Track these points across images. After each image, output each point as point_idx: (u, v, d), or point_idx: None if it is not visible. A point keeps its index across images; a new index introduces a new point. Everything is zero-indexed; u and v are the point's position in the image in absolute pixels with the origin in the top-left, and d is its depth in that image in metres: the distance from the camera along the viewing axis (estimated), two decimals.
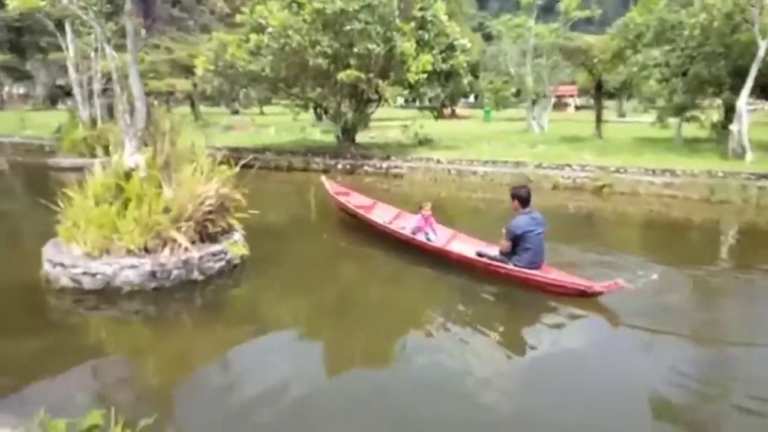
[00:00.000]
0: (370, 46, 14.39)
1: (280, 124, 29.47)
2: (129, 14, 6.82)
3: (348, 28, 14.32)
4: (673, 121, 19.11)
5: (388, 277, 7.42)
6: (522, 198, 6.58)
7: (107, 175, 7.10)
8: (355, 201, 10.11)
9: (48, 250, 6.76)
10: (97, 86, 17.42)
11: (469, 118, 44.06)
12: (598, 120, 20.58)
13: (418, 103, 16.90)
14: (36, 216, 11.53)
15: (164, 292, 6.42)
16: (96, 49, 17.12)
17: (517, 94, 30.46)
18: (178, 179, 7.02)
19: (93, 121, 17.48)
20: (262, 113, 47.96)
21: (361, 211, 9.44)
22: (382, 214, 9.58)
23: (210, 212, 7.03)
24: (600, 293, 5.97)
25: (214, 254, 6.90)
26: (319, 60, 14.66)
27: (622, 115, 41.27)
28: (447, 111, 38.40)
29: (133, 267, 6.35)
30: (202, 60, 16.14)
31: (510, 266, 6.49)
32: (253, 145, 19.57)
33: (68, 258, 6.46)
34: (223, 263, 7.03)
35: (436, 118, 22.31)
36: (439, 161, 15.39)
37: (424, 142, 20.27)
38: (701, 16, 15.61)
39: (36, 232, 9.97)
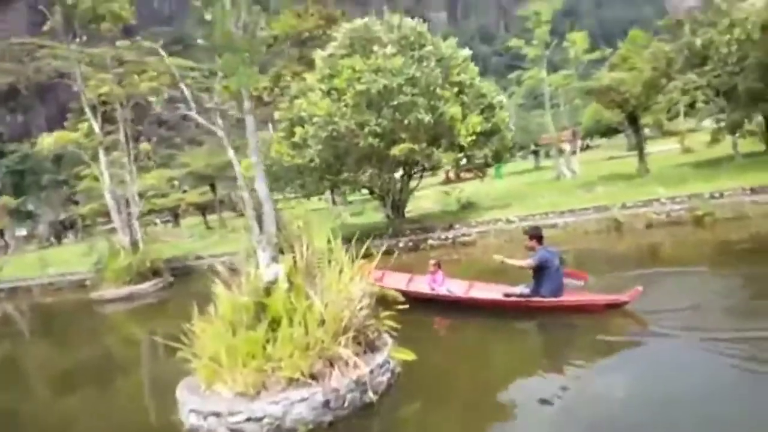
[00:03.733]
0: (420, 116, 13.99)
1: (302, 216, 28.85)
2: (249, 111, 6.15)
3: (395, 103, 13.99)
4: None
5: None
6: (539, 237, 7.69)
7: (241, 294, 6.10)
8: (394, 280, 9.48)
9: (186, 397, 5.64)
10: (135, 209, 16.81)
11: (474, 179, 43.98)
12: (640, 153, 20.10)
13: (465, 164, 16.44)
14: (124, 355, 10.42)
15: (341, 425, 5.26)
16: (131, 173, 16.69)
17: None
18: (322, 285, 6.05)
19: (135, 245, 16.68)
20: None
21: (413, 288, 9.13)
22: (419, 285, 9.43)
23: (367, 316, 6.00)
24: (626, 302, 6.83)
25: (380, 366, 5.80)
26: (370, 139, 14.19)
27: (632, 149, 41.23)
28: (451, 175, 38.21)
29: (303, 400, 5.23)
30: (246, 161, 15.62)
31: (539, 298, 7.36)
32: None
33: (219, 403, 5.34)
34: (389, 375, 5.92)
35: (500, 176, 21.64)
36: (509, 220, 14.57)
37: (467, 206, 19.58)
38: (735, 31, 15.52)
39: (138, 375, 8.88)
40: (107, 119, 17.65)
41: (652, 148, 34.25)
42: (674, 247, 11.28)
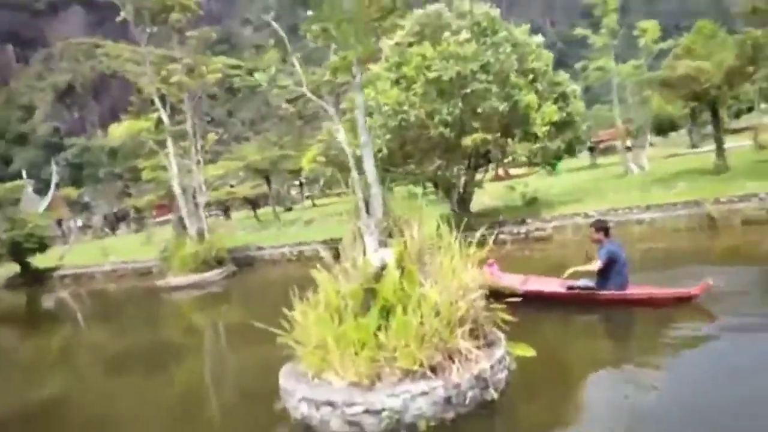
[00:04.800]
0: (495, 104, 13.43)
1: (341, 213, 28.66)
2: (359, 86, 5.81)
3: (468, 90, 13.47)
4: None
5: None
6: (606, 229, 7.63)
7: (345, 280, 5.78)
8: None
9: (294, 385, 5.35)
10: (201, 199, 16.91)
11: (526, 176, 42.76)
12: (719, 148, 18.85)
13: (539, 159, 15.69)
14: (206, 342, 10.36)
15: (463, 423, 4.86)
16: (198, 162, 16.79)
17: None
18: (435, 272, 5.66)
19: (200, 234, 16.78)
20: (314, 205, 47.87)
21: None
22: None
23: (483, 307, 5.58)
24: (696, 296, 6.77)
25: (499, 361, 5.36)
26: (440, 129, 13.73)
27: (694, 146, 39.18)
28: (501, 172, 37.17)
29: (423, 394, 4.85)
30: (310, 154, 15.51)
31: (607, 291, 7.32)
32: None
33: (333, 393, 5.02)
34: (506, 371, 5.48)
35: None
36: (587, 215, 13.81)
37: (532, 202, 18.83)
38: None
39: (228, 361, 8.71)
40: (173, 110, 17.83)
41: (711, 146, 32.48)
42: None
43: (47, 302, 20.10)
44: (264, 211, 43.42)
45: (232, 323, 11.46)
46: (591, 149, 42.09)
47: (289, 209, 49.13)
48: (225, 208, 43.34)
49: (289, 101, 30.80)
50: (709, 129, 45.05)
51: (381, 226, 5.97)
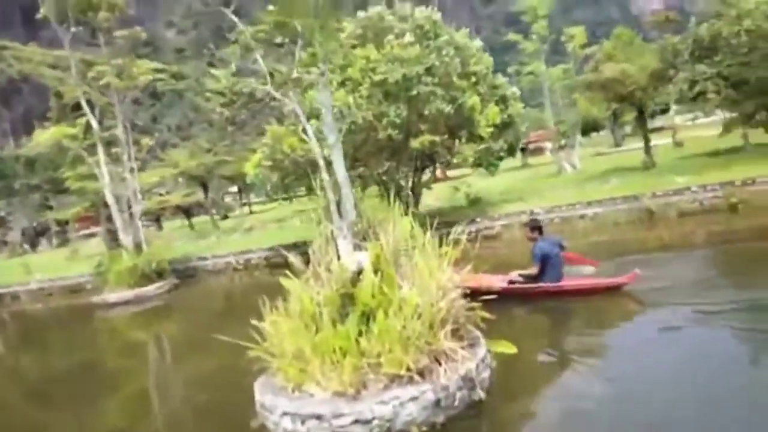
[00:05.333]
0: (440, 106, 13.59)
1: (282, 219, 28.15)
2: (325, 84, 5.64)
3: (414, 93, 13.55)
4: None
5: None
6: (539, 228, 8.20)
7: (318, 286, 5.57)
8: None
9: (273, 399, 5.09)
10: (137, 208, 15.92)
11: (461, 177, 43.84)
12: (647, 145, 20.16)
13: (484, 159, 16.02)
14: (146, 362, 9.64)
15: (452, 425, 4.80)
16: (132, 169, 15.82)
17: None
18: (412, 274, 5.58)
19: (138, 246, 15.79)
20: (251, 212, 46.68)
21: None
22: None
23: (466, 307, 5.55)
24: (625, 284, 7.33)
25: (482, 360, 5.35)
26: (389, 131, 13.72)
27: (617, 145, 41.77)
28: (438, 173, 37.92)
29: (413, 399, 4.74)
30: (255, 158, 15.03)
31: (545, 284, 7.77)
32: (304, 239, 18.08)
33: (318, 405, 4.81)
34: (489, 370, 5.48)
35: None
36: (533, 212, 14.27)
37: (475, 202, 19.27)
38: (745, 22, 15.61)
39: (188, 378, 8.06)
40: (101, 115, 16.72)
41: (639, 143, 34.75)
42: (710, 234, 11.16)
43: None
44: (198, 219, 41.77)
45: (180, 338, 10.85)
46: (522, 150, 43.81)
47: (225, 217, 47.61)
48: (156, 218, 41.30)
49: (223, 105, 29.71)
50: (628, 129, 48.06)
51: (352, 230, 5.80)
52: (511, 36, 24.94)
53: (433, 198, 21.92)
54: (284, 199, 33.55)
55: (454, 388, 4.90)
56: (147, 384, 8.25)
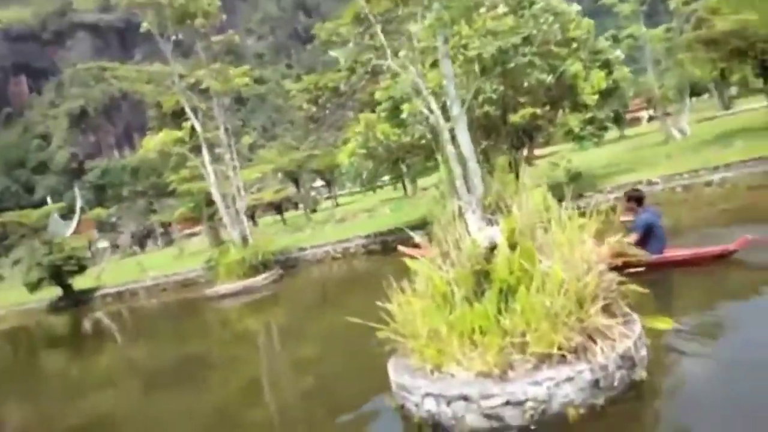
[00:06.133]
0: (540, 76, 12.86)
1: (371, 209, 28.27)
2: (446, 53, 5.35)
3: (511, 65, 12.91)
4: None
5: None
6: (641, 199, 7.71)
7: (457, 263, 5.31)
8: None
9: (413, 381, 4.90)
10: (241, 204, 16.60)
11: (549, 156, 41.93)
12: None
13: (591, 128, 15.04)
14: (270, 347, 9.94)
15: (613, 408, 4.36)
16: (234, 168, 16.50)
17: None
18: (551, 247, 5.17)
19: (244, 240, 16.49)
20: (338, 205, 47.52)
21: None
22: None
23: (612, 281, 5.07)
24: (735, 251, 6.85)
25: (639, 337, 4.85)
26: (486, 108, 13.20)
27: (726, 107, 37.95)
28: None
29: (569, 379, 4.36)
30: (349, 147, 15.09)
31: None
32: (397, 226, 17.93)
33: (463, 386, 4.55)
34: (645, 348, 4.96)
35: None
36: (651, 182, 13.18)
37: (576, 177, 18.17)
38: None
39: (317, 361, 8.08)
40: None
41: (752, 104, 31.38)
42: None
43: (94, 322, 20.01)
44: (288, 214, 43.29)
45: (294, 325, 11.09)
46: (617, 120, 41.13)
47: (314, 210, 49.01)
48: (251, 215, 43.34)
49: (308, 102, 30.42)
50: (734, 91, 43.71)
51: (481, 204, 5.48)
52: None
53: (529, 176, 21.02)
54: (368, 189, 33.83)
55: (613, 368, 4.46)
56: (276, 367, 8.47)
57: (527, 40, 13.07)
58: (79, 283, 24.73)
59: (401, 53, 6.54)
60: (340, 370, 7.19)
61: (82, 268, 24.00)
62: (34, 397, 10.31)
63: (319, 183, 51.67)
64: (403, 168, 22.24)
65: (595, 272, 4.91)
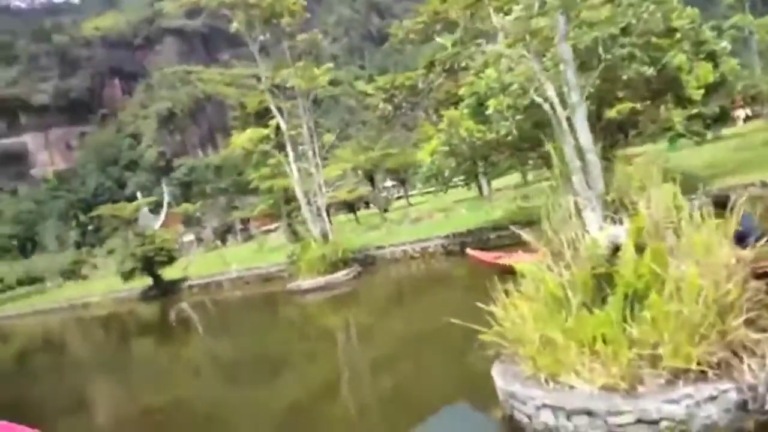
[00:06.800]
0: (641, 69, 11.98)
1: (446, 209, 27.73)
2: (564, 37, 4.99)
3: (608, 57, 12.12)
4: None
5: None
6: (724, 204, 6.10)
7: (574, 264, 4.92)
8: None
9: (526, 390, 4.57)
10: (321, 201, 16.79)
11: (638, 156, 39.41)
12: None
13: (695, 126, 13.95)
14: (359, 343, 9.88)
15: None
16: (317, 165, 16.71)
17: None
18: (682, 249, 4.67)
19: (324, 236, 16.68)
20: (410, 204, 47.25)
21: None
22: None
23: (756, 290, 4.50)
24: None
25: None
26: None
27: None
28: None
29: (712, 398, 3.88)
30: (431, 145, 14.83)
31: None
32: (476, 227, 17.45)
33: (586, 399, 4.18)
34: None
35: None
36: (765, 184, 11.97)
37: (673, 179, 16.86)
38: None
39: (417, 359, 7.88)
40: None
41: None
42: None
43: (181, 311, 21.03)
44: (360, 213, 43.67)
45: (377, 321, 11.00)
46: (715, 119, 38.14)
47: (386, 210, 49.11)
48: (326, 213, 44.12)
49: (384, 101, 30.44)
50: None
51: (602, 201, 5.06)
52: None
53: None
54: (441, 190, 33.37)
55: (764, 389, 3.93)
56: (356, 365, 8.39)
57: (626, 31, 12.23)
58: (167, 273, 26.12)
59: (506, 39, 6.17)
60: (424, 371, 6.98)
61: (171, 260, 25.33)
62: (123, 377, 10.93)
63: (389, 183, 51.79)
64: (480, 168, 21.63)
65: (737, 279, 4.37)
